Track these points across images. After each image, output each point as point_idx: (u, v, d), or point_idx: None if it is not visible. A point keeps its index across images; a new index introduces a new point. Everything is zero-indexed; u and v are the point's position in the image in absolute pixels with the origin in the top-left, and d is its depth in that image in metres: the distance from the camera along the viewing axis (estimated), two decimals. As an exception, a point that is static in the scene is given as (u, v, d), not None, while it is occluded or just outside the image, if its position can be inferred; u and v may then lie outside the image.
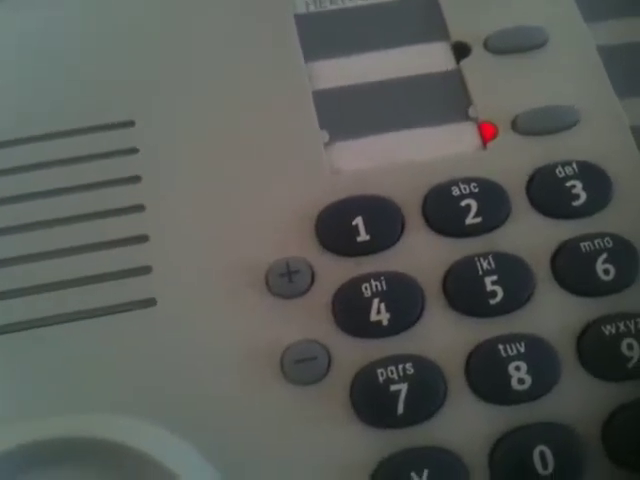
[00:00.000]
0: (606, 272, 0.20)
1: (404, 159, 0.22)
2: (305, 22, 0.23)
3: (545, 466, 0.19)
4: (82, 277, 0.20)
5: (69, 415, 0.18)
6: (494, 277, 0.20)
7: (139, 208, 0.21)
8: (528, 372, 0.19)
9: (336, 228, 0.21)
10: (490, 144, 0.22)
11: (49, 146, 0.21)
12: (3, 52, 0.23)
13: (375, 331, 0.20)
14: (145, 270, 0.20)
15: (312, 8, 0.24)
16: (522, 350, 0.19)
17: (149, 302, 0.20)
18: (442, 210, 0.21)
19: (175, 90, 0.22)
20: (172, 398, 0.19)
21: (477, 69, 0.23)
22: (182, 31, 0.23)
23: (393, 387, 0.19)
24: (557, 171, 0.21)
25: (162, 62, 0.23)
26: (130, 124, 0.22)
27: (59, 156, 0.21)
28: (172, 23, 0.23)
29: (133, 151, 0.21)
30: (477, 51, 0.23)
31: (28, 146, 0.21)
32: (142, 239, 0.21)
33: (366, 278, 0.20)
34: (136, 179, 0.21)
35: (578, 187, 0.21)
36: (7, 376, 0.19)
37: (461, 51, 0.23)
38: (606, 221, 0.21)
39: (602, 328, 0.20)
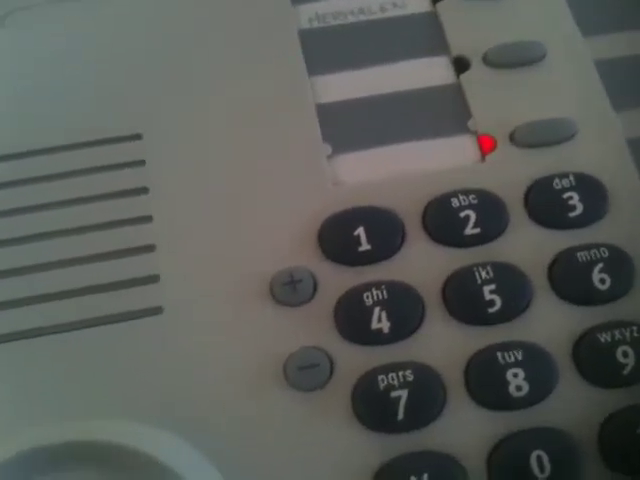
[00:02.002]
0: (602, 281, 0.21)
1: (405, 171, 0.22)
2: (309, 37, 0.24)
3: (542, 470, 0.19)
4: (91, 286, 0.21)
5: (79, 420, 0.19)
6: (492, 286, 0.20)
7: (147, 219, 0.21)
8: (526, 379, 0.20)
9: (338, 238, 0.21)
10: (489, 156, 0.22)
11: (59, 158, 0.22)
12: (12, 66, 0.24)
13: (376, 339, 0.20)
14: (153, 279, 0.21)
15: (315, 24, 0.24)
16: (520, 357, 0.20)
17: (156, 310, 0.20)
18: (442, 221, 0.21)
19: (179, 104, 0.23)
20: (178, 403, 0.20)
21: (476, 83, 0.23)
22: (186, 46, 0.24)
23: (393, 393, 0.20)
24: (554, 183, 0.22)
25: (166, 77, 0.23)
26: (137, 137, 0.22)
27: (68, 168, 0.22)
28: (176, 38, 0.24)
29: (140, 163, 0.22)
30: (477, 65, 0.23)
31: (38, 158, 0.22)
32: (149, 249, 0.21)
33: (367, 287, 0.21)
34: (143, 190, 0.22)
35: (575, 199, 0.21)
36: (18, 382, 0.20)
37: (461, 65, 0.24)
38: (602, 232, 0.21)
39: (598, 336, 0.20)
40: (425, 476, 0.19)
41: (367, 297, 0.20)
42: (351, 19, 0.24)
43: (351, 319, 0.20)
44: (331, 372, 0.20)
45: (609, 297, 0.21)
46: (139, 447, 0.18)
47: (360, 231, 0.21)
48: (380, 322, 0.20)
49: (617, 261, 0.21)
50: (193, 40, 0.24)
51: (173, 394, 0.20)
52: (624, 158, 0.22)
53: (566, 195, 0.21)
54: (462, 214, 0.21)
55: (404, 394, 0.20)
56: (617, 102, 0.23)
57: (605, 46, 0.24)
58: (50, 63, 0.24)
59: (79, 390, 0.20)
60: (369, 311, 0.20)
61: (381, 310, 0.20)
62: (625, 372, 0.20)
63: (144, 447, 0.18)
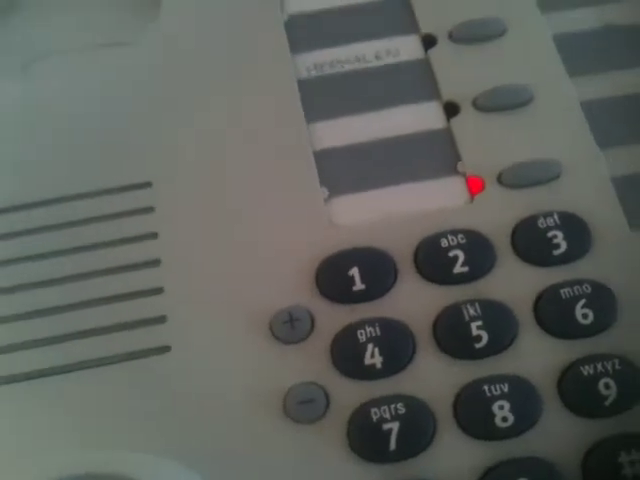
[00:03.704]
0: (585, 316, 0.22)
1: (398, 212, 0.23)
2: (307, 86, 0.25)
3: (527, 498, 0.20)
4: (102, 327, 0.22)
5: (88, 453, 0.20)
6: (479, 322, 0.22)
7: (155, 262, 0.23)
8: (511, 410, 0.21)
9: (334, 278, 0.22)
10: (477, 197, 0.23)
11: (70, 207, 0.23)
12: (27, 118, 0.25)
13: (370, 373, 0.21)
14: (161, 320, 0.22)
15: (313, 73, 0.26)
16: (506, 390, 0.21)
17: (164, 349, 0.22)
18: (432, 260, 0.22)
19: (185, 154, 0.24)
20: (183, 437, 0.21)
21: (466, 127, 0.24)
22: (189, 96, 0.25)
23: (385, 425, 0.21)
24: (539, 222, 0.23)
25: (171, 126, 0.25)
26: (147, 185, 0.24)
27: (77, 217, 0.23)
28: (180, 89, 0.25)
29: (150, 210, 0.24)
30: (466, 110, 0.25)
31: (51, 207, 0.23)
32: (158, 291, 0.23)
33: (361, 324, 0.22)
34: (153, 235, 0.23)
35: (559, 237, 0.22)
36: (28, 421, 0.21)
37: (451, 110, 0.25)
38: (585, 268, 0.22)
39: (581, 369, 0.21)
40: (416, 504, 0.20)
41: (361, 334, 0.22)
42: (347, 67, 0.26)
43: (346, 355, 0.22)
44: (327, 405, 0.21)
45: (592, 331, 0.22)
46: (144, 478, 0.20)
47: (354, 271, 0.22)
48: (373, 357, 0.21)
49: (599, 296, 0.22)
50: (196, 90, 0.25)
51: (178, 428, 0.21)
52: (608, 196, 0.23)
53: (550, 234, 0.23)
54: (451, 253, 0.22)
55: (396, 426, 0.21)
56: (602, 141, 0.24)
57: (591, 86, 0.25)
58: (63, 114, 0.25)
59: (87, 428, 0.21)
60: (363, 347, 0.22)
61: (374, 346, 0.22)
62: (607, 403, 0.21)
63: (148, 477, 0.20)
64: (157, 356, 0.22)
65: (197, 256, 0.23)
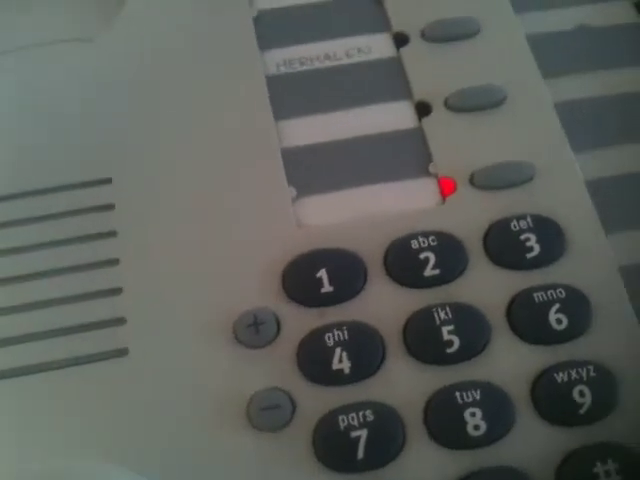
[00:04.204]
0: (559, 322, 0.21)
1: (367, 213, 0.23)
2: (275, 82, 0.25)
3: (499, 508, 0.20)
4: (59, 328, 0.21)
5: (40, 461, 0.19)
6: (451, 327, 0.21)
7: (114, 262, 0.22)
8: (483, 418, 0.20)
9: (301, 280, 0.22)
10: (449, 199, 0.23)
11: (27, 203, 0.22)
12: None
13: (337, 379, 0.21)
14: (120, 321, 0.21)
15: (282, 69, 0.25)
16: (477, 397, 0.20)
17: (122, 352, 0.21)
18: (402, 262, 0.22)
19: (149, 151, 0.23)
20: (141, 445, 0.20)
21: (438, 127, 0.24)
22: (154, 92, 0.24)
23: (353, 433, 0.20)
24: (512, 225, 0.22)
25: (134, 123, 0.24)
26: (107, 181, 0.23)
27: (34, 213, 0.22)
28: (144, 84, 0.24)
29: (109, 207, 0.23)
30: (438, 110, 0.24)
31: (6, 203, 0.22)
32: (117, 291, 0.22)
33: (329, 328, 0.21)
34: (112, 234, 0.22)
35: (532, 240, 0.22)
36: None
37: (423, 110, 0.24)
38: (559, 272, 0.22)
39: (555, 375, 0.21)
40: (384, 514, 0.19)
41: (328, 338, 0.21)
42: (317, 65, 0.25)
43: (313, 360, 0.21)
44: (293, 412, 0.20)
45: (566, 337, 0.21)
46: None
47: (322, 273, 0.22)
48: (341, 363, 0.21)
49: (574, 301, 0.21)
50: (161, 86, 0.24)
51: (137, 435, 0.20)
52: (583, 199, 0.23)
53: (523, 236, 0.22)
54: (422, 256, 0.22)
55: (364, 434, 0.20)
56: (577, 143, 0.24)
57: (565, 87, 0.24)
58: (24, 110, 0.24)
59: (42, 432, 0.20)
60: (330, 352, 0.21)
61: (342, 351, 0.21)
62: (582, 411, 0.20)
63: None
64: (115, 359, 0.21)
65: (158, 256, 0.22)
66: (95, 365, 0.21)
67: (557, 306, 0.21)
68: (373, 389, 0.21)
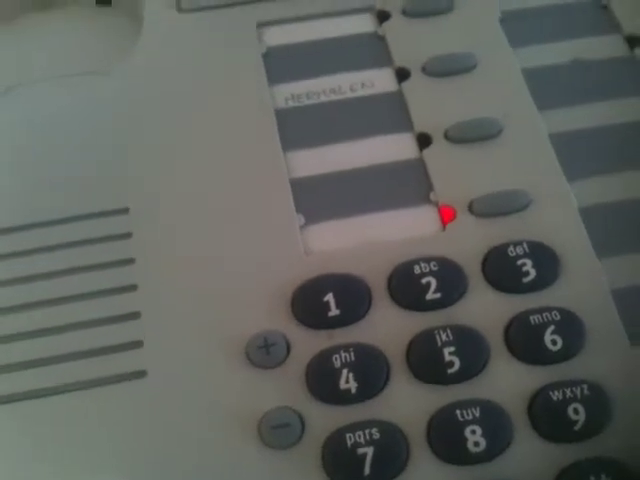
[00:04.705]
0: (554, 342, 0.22)
1: (372, 240, 0.24)
2: (284, 116, 0.26)
3: (498, 521, 0.21)
4: (79, 351, 0.22)
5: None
6: (452, 348, 0.22)
7: (132, 287, 0.23)
8: (483, 435, 0.21)
9: (309, 304, 0.23)
10: (449, 226, 0.24)
11: (44, 232, 0.24)
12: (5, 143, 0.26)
13: (344, 398, 0.22)
14: (137, 344, 0.22)
15: (290, 103, 0.26)
16: (477, 415, 0.21)
17: (141, 374, 0.22)
18: (405, 287, 0.23)
19: (164, 181, 0.25)
20: (157, 462, 0.21)
21: (438, 157, 0.25)
22: (170, 124, 0.25)
23: (360, 450, 0.21)
24: (509, 250, 0.23)
25: (151, 155, 0.25)
26: (125, 211, 0.24)
27: (55, 242, 0.23)
28: (161, 118, 0.26)
29: (127, 236, 0.24)
30: (438, 141, 0.25)
31: (28, 232, 0.24)
32: (135, 316, 0.23)
33: (336, 350, 0.22)
34: (130, 261, 0.23)
35: (528, 265, 0.23)
36: (4, 444, 0.21)
37: (423, 141, 0.25)
38: (554, 296, 0.23)
39: (550, 394, 0.22)
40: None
41: (336, 359, 0.22)
42: (323, 98, 0.26)
43: (321, 380, 0.22)
44: (302, 430, 0.21)
45: (561, 357, 0.22)
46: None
47: (329, 297, 0.23)
48: (348, 383, 0.22)
49: (568, 323, 0.22)
50: (175, 120, 0.26)
51: (154, 453, 0.21)
52: (576, 226, 0.24)
53: (520, 262, 0.23)
54: (424, 280, 0.23)
55: (370, 451, 0.21)
56: (570, 172, 0.25)
57: (559, 119, 0.26)
58: (43, 140, 0.25)
59: (59, 452, 0.21)
60: (338, 372, 0.22)
61: (349, 372, 0.22)
62: (576, 428, 0.21)
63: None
64: (133, 381, 0.22)
65: (174, 281, 0.23)
66: (114, 387, 0.22)
67: (552, 328, 0.22)
68: (378, 408, 0.22)
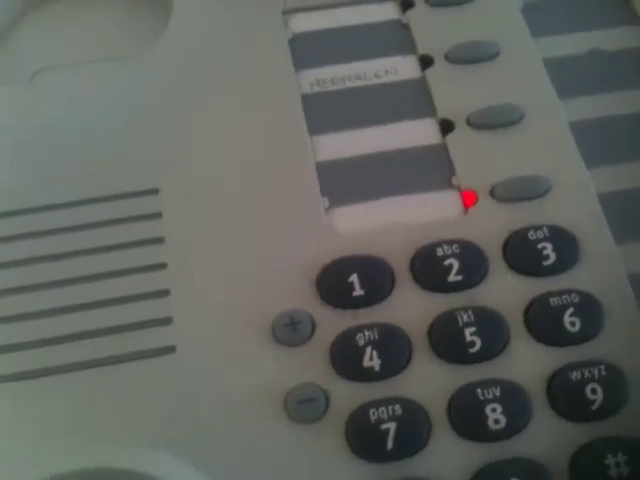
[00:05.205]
0: (572, 324, 0.23)
1: (395, 222, 0.24)
2: (310, 101, 0.26)
3: (517, 497, 0.21)
4: (111, 327, 0.23)
5: (97, 448, 0.21)
6: (473, 329, 0.23)
7: (162, 266, 0.24)
8: (503, 413, 0.22)
9: (334, 284, 0.23)
10: (471, 210, 0.24)
11: (79, 211, 0.24)
12: (35, 126, 0.26)
13: (368, 376, 0.22)
14: (167, 321, 0.23)
15: (316, 88, 0.27)
16: (498, 394, 0.22)
17: (170, 349, 0.23)
18: (428, 269, 0.23)
19: (195, 164, 0.25)
20: (186, 435, 0.22)
21: (460, 143, 0.25)
22: (199, 109, 0.26)
23: (383, 426, 0.22)
24: (530, 234, 0.24)
25: (181, 137, 0.25)
26: (155, 192, 0.25)
27: (85, 221, 0.24)
28: (190, 100, 0.26)
29: (157, 216, 0.24)
30: (460, 127, 0.26)
31: (60, 211, 0.24)
32: (164, 293, 0.23)
33: (360, 328, 0.23)
34: (160, 240, 0.24)
35: (548, 248, 0.24)
36: (38, 416, 0.22)
37: (446, 127, 0.26)
38: (573, 279, 0.23)
39: (569, 374, 0.22)
40: (412, 501, 0.21)
41: (360, 337, 0.23)
42: (348, 84, 0.27)
43: (345, 358, 0.23)
44: (327, 406, 0.22)
45: (579, 338, 0.23)
46: (149, 471, 0.20)
47: (354, 278, 0.23)
48: (371, 360, 0.22)
49: (587, 306, 0.23)
50: (203, 104, 0.26)
51: (182, 427, 0.22)
52: (595, 211, 0.24)
53: (540, 245, 0.24)
54: (446, 262, 0.23)
55: (393, 426, 0.22)
56: (589, 159, 0.25)
57: (579, 107, 0.26)
58: (71, 123, 0.26)
59: (94, 424, 0.22)
60: (362, 350, 0.22)
61: (372, 349, 0.22)
62: (594, 407, 0.22)
63: (155, 472, 0.20)
64: (163, 356, 0.22)
65: (203, 261, 0.24)
66: (145, 362, 0.22)
67: (571, 310, 0.23)
68: (401, 386, 0.22)
